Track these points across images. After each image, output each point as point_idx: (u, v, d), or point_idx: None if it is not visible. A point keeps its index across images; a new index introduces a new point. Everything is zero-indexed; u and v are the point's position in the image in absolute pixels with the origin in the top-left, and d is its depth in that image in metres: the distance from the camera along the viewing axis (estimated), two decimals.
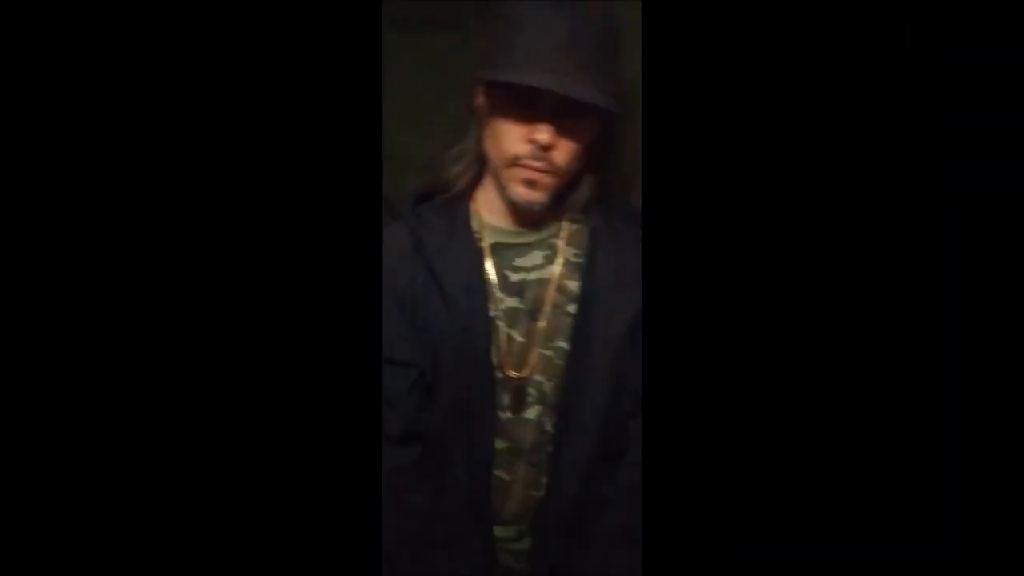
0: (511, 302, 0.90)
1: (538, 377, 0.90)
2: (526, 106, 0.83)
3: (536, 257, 0.92)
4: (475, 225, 0.92)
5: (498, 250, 0.92)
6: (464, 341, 0.87)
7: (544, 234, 0.93)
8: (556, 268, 0.91)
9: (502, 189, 0.89)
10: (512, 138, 0.84)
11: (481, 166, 0.92)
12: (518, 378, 0.89)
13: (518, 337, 0.89)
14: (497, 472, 0.90)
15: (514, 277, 0.91)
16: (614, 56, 0.85)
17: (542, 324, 0.89)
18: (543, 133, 0.82)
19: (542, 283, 0.91)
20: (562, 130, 0.83)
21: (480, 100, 0.88)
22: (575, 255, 0.92)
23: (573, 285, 0.91)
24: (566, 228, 0.92)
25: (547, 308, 0.90)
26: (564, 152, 0.85)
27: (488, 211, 0.93)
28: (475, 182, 0.93)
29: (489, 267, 0.91)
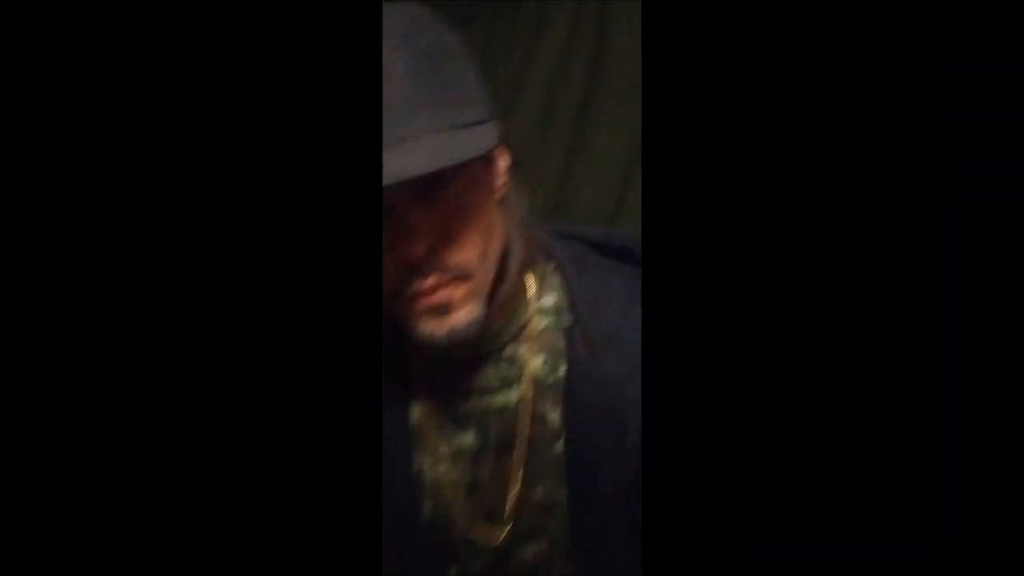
0: (464, 439, 0.67)
1: (517, 543, 0.66)
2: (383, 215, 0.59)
3: (490, 376, 0.67)
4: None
5: (432, 372, 0.68)
6: (400, 506, 0.65)
7: (497, 343, 0.67)
8: (522, 390, 0.66)
9: (411, 338, 0.63)
10: (386, 270, 0.60)
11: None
12: (492, 546, 0.65)
13: (485, 483, 0.66)
14: None
15: (463, 405, 0.67)
16: (462, 87, 0.64)
17: (507, 464, 0.66)
18: (413, 242, 0.59)
19: (506, 412, 0.67)
20: (438, 219, 0.60)
21: None
22: (547, 368, 0.67)
23: (548, 414, 0.66)
24: (532, 328, 0.67)
25: (515, 446, 0.66)
26: (459, 246, 0.60)
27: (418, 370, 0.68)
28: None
29: (418, 406, 0.67)
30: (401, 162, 0.57)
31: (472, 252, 0.61)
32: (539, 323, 0.67)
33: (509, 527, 0.65)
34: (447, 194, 0.61)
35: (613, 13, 1.19)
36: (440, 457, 0.66)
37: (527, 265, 0.68)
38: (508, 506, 0.65)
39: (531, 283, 0.69)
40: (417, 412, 0.68)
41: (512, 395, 0.66)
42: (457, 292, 0.61)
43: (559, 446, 0.66)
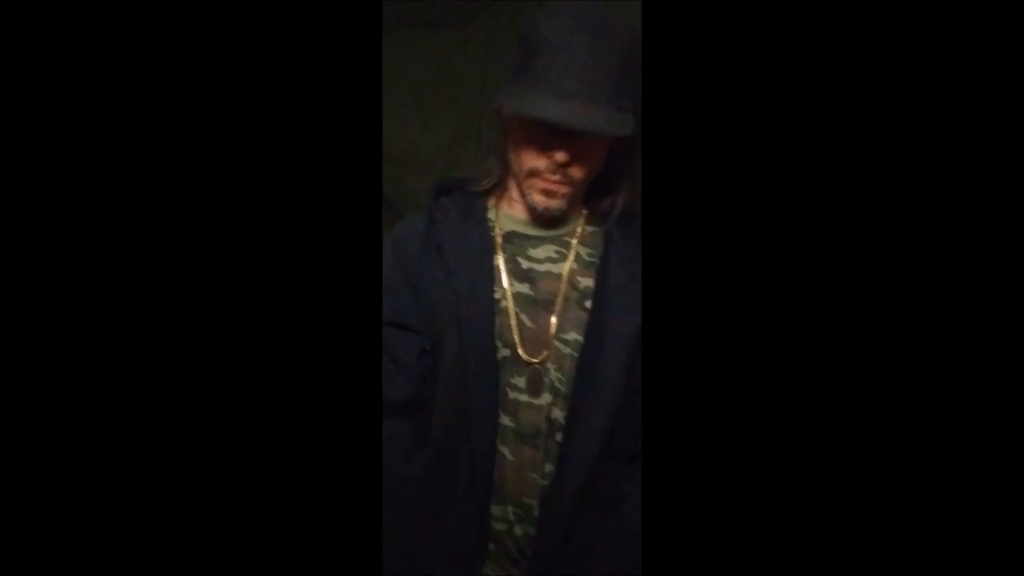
0: (520, 287, 0.94)
1: (550, 366, 0.92)
2: (543, 128, 0.86)
3: (548, 250, 0.96)
4: (491, 215, 0.98)
5: (511, 238, 0.96)
6: (467, 317, 0.91)
7: (558, 232, 0.97)
8: (568, 264, 0.95)
9: (522, 194, 0.94)
10: (531, 154, 0.90)
11: (505, 171, 0.97)
12: (533, 363, 0.92)
13: (528, 323, 0.93)
14: (501, 448, 0.92)
15: (524, 264, 0.95)
16: (635, 71, 0.88)
17: (554, 316, 0.93)
18: (560, 154, 0.88)
19: (553, 276, 0.95)
20: (579, 149, 0.89)
21: (502, 117, 0.91)
22: (588, 254, 0.97)
23: (587, 281, 0.95)
24: (581, 229, 0.97)
25: (559, 300, 0.93)
26: (581, 168, 0.90)
27: (508, 205, 0.98)
28: (498, 183, 0.99)
29: (499, 252, 0.95)
30: (584, 117, 0.84)
31: (583, 174, 0.91)
32: (588, 228, 0.98)
33: (544, 353, 0.92)
34: (599, 142, 0.90)
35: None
36: (507, 294, 0.94)
37: (615, 206, 0.98)
38: (547, 337, 0.93)
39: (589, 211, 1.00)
40: (500, 260, 0.96)
41: (559, 267, 0.96)
42: (563, 188, 0.91)
43: (587, 304, 0.94)
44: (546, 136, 0.88)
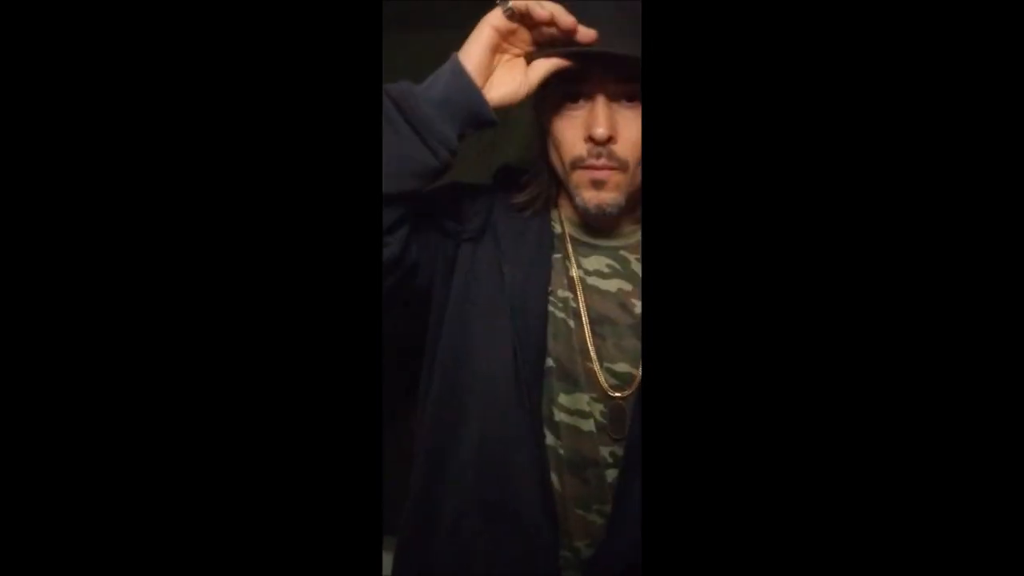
0: (567, 296, 0.86)
1: (593, 391, 0.84)
2: (579, 96, 0.81)
3: (600, 262, 0.88)
4: (553, 218, 0.90)
5: (567, 240, 0.88)
6: (516, 318, 0.83)
7: (614, 242, 0.88)
8: (620, 282, 0.87)
9: (572, 200, 0.85)
10: (570, 140, 0.82)
11: (554, 184, 0.89)
12: (616, 397, 0.83)
13: (570, 338, 0.85)
14: (550, 476, 0.83)
15: (573, 271, 0.87)
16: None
17: (598, 339, 0.85)
18: (599, 126, 0.80)
19: (600, 293, 0.87)
20: (620, 119, 0.81)
21: (538, 106, 0.86)
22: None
23: (639, 306, 0.85)
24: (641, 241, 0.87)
25: (605, 323, 0.85)
26: (627, 144, 0.81)
27: (563, 208, 0.90)
28: (550, 199, 0.90)
29: (556, 252, 0.88)
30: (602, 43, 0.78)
31: (631, 154, 0.82)
32: None
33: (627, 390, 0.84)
34: (632, 102, 0.82)
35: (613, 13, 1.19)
36: (556, 301, 0.86)
37: None
38: (582, 361, 0.85)
39: None
40: (555, 257, 0.88)
41: (608, 284, 0.87)
42: (613, 177, 0.82)
43: (639, 331, 0.84)
44: (583, 109, 0.81)
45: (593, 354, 0.84)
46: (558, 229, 0.90)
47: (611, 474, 0.83)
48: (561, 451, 0.83)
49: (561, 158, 0.84)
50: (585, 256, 0.87)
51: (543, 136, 0.86)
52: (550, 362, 0.84)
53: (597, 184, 0.82)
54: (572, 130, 0.82)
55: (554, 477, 0.83)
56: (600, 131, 0.80)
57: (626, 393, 0.83)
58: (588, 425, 0.84)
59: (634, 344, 0.84)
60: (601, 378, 0.83)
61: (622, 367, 0.84)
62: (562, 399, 0.84)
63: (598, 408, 0.83)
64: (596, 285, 0.87)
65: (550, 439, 0.83)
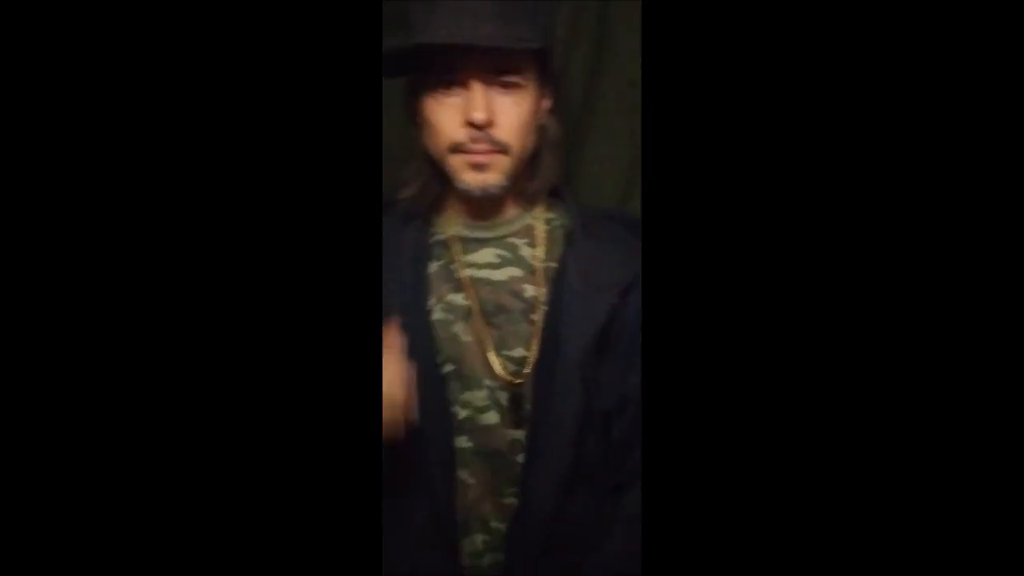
0: (456, 298, 0.86)
1: (491, 382, 0.85)
2: (453, 83, 0.80)
3: (489, 255, 0.88)
4: (434, 220, 0.89)
5: (450, 243, 0.88)
6: (408, 331, 0.82)
7: (501, 232, 0.89)
8: (511, 270, 0.87)
9: (455, 184, 0.84)
10: (447, 125, 0.82)
11: (439, 182, 0.87)
12: (514, 382, 0.84)
13: (464, 337, 0.85)
14: (460, 473, 0.85)
15: (462, 272, 0.87)
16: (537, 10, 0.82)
17: (494, 329, 0.85)
18: (477, 110, 0.79)
19: (493, 284, 0.87)
20: (498, 103, 0.81)
21: (410, 96, 0.85)
22: (537, 258, 0.88)
23: (534, 290, 0.86)
24: (535, 229, 0.88)
25: (500, 312, 0.86)
26: (507, 128, 0.81)
27: (452, 207, 0.89)
28: (435, 199, 0.89)
29: (433, 260, 0.87)
30: (468, 33, 0.77)
31: (514, 137, 0.82)
32: (542, 227, 0.89)
33: (495, 377, 0.84)
34: (509, 89, 0.82)
35: (613, 13, 1.19)
36: (444, 306, 0.86)
37: (546, 180, 0.88)
38: (485, 353, 0.85)
39: (543, 195, 0.90)
40: (433, 267, 0.88)
41: (499, 274, 0.87)
42: (495, 160, 0.82)
43: (533, 317, 0.85)
44: (459, 94, 0.80)
45: (491, 345, 0.85)
46: (441, 235, 0.89)
47: (519, 458, 0.85)
48: (470, 447, 0.85)
49: (439, 144, 0.83)
50: (475, 251, 0.88)
51: (418, 126, 0.85)
52: (448, 367, 0.85)
53: (478, 167, 0.82)
54: (450, 116, 0.81)
55: (465, 473, 0.85)
56: (479, 115, 0.79)
57: (524, 378, 0.84)
58: (492, 418, 0.85)
59: (526, 328, 0.86)
60: (499, 367, 0.84)
61: (518, 352, 0.85)
62: (465, 397, 0.85)
63: (502, 396, 0.85)
64: (487, 277, 0.87)
65: (460, 440, 0.85)
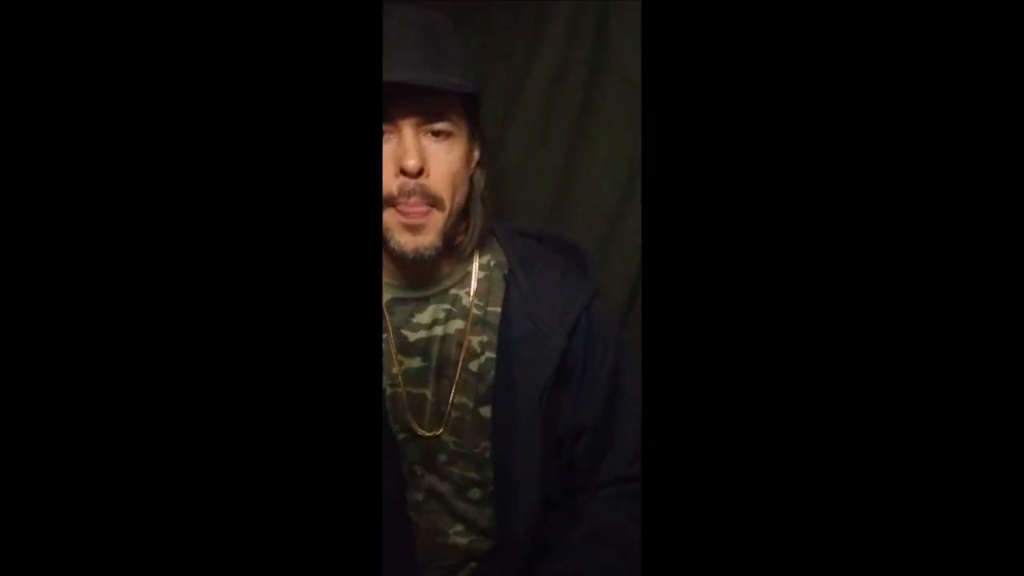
0: (413, 363, 0.87)
1: (446, 438, 0.87)
2: (387, 128, 0.79)
3: (436, 311, 0.88)
4: None
5: (392, 307, 0.87)
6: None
7: (441, 286, 0.88)
8: (459, 323, 0.87)
9: (387, 246, 0.83)
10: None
11: None
12: (427, 437, 0.87)
13: (429, 396, 0.87)
14: (415, 519, 0.88)
15: (412, 337, 0.87)
16: (462, 59, 0.82)
17: (445, 382, 0.87)
18: (410, 157, 0.78)
19: (446, 339, 0.88)
20: (430, 151, 0.80)
21: None
22: (481, 306, 0.88)
23: (476, 342, 0.87)
24: (472, 277, 0.89)
25: (450, 367, 0.87)
26: (438, 178, 0.80)
27: (386, 270, 0.87)
28: None
29: (385, 328, 0.86)
30: (397, 73, 0.75)
31: (445, 188, 0.81)
32: (478, 272, 0.88)
33: (443, 429, 0.86)
34: (440, 138, 0.81)
35: (613, 13, 1.19)
36: (396, 375, 0.86)
37: (477, 236, 0.88)
38: (447, 408, 0.86)
39: (476, 246, 0.89)
40: (387, 336, 0.87)
41: (451, 326, 0.87)
42: (429, 219, 0.80)
43: (487, 368, 0.86)
44: (392, 141, 0.79)
45: (431, 397, 0.87)
46: (384, 297, 0.88)
47: (479, 497, 0.88)
48: (420, 499, 0.88)
49: None
50: (420, 311, 0.87)
51: None
52: (401, 436, 0.87)
53: (412, 229, 0.81)
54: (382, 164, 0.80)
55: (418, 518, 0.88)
56: (411, 162, 0.78)
57: (437, 431, 0.86)
58: (444, 486, 0.88)
59: (464, 376, 0.87)
60: (446, 415, 0.86)
61: (463, 401, 0.87)
62: (418, 467, 0.88)
63: (449, 443, 0.87)
64: (437, 334, 0.88)
65: (417, 496, 0.88)
